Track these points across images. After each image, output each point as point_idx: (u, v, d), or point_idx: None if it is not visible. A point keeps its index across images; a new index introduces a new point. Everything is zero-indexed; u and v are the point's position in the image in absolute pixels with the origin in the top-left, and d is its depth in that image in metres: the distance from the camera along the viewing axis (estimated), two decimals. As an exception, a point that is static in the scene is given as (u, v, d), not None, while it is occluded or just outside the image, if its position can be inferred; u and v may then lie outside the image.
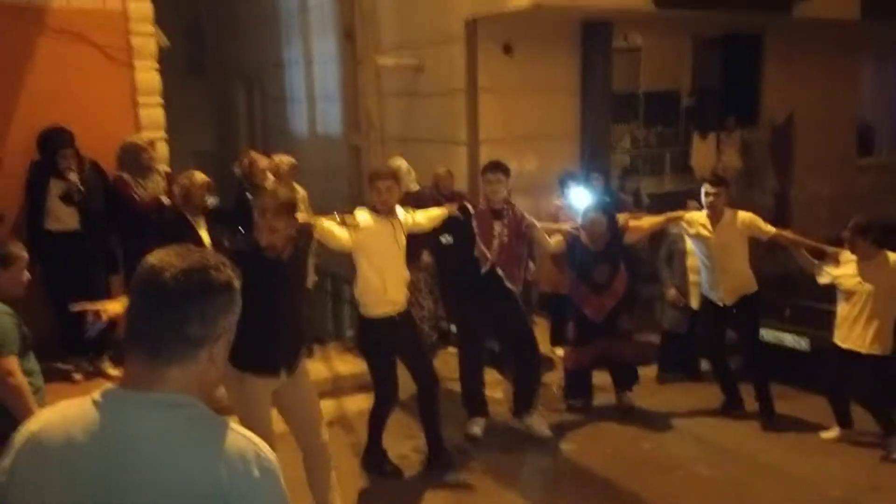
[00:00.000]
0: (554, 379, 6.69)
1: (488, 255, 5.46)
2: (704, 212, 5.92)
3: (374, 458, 5.13)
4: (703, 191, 5.96)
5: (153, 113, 6.40)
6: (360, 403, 6.08)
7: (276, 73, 12.48)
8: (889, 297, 5.31)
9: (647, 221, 6.19)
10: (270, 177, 6.47)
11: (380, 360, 4.98)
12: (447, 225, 5.52)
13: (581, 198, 6.77)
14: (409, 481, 5.08)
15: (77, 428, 1.42)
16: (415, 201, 6.38)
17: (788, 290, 6.64)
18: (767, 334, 6.60)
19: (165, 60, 6.68)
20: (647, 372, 6.69)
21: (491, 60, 8.10)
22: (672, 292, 6.75)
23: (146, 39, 6.32)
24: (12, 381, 3.28)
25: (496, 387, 6.35)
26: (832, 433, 5.60)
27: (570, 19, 8.25)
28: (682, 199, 7.12)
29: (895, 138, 12.13)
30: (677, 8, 7.77)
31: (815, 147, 9.95)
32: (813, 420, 5.85)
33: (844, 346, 5.42)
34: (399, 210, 5.03)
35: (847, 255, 5.48)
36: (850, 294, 5.40)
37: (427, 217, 5.37)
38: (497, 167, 5.56)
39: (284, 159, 6.77)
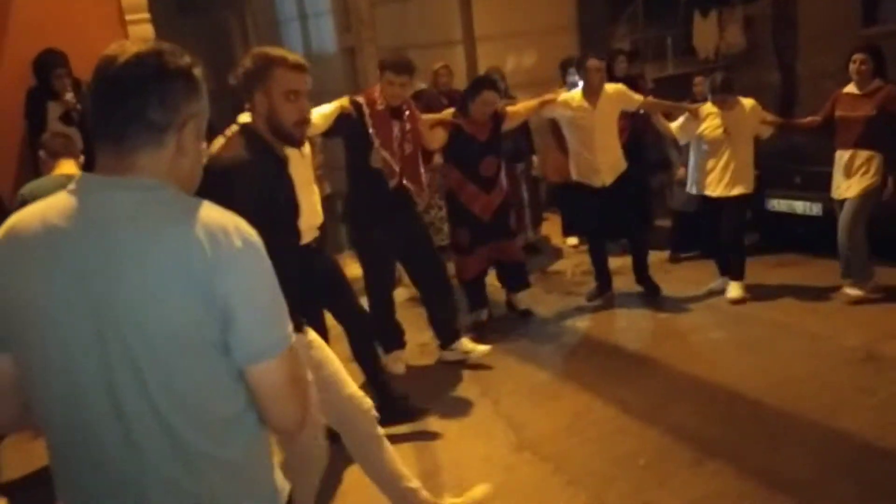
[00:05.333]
0: (567, 266, 6.74)
1: (394, 166, 4.67)
2: (578, 90, 5.77)
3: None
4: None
5: (141, 29, 6.30)
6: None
7: (266, -4, 12.26)
8: (748, 140, 5.73)
9: (523, 106, 5.77)
10: None
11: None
12: (337, 125, 4.56)
13: None
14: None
15: (54, 214, 1.42)
16: (423, 102, 6.30)
17: (796, 158, 6.57)
18: (779, 204, 6.59)
19: (156, 2, 6.53)
20: (661, 255, 6.72)
21: (482, -45, 7.93)
22: (681, 172, 6.68)
23: (129, -44, 6.20)
24: None
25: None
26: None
27: None
28: (687, 82, 7.01)
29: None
30: None
31: (817, 18, 9.60)
32: (826, 283, 5.87)
33: (715, 195, 5.76)
34: None
35: (706, 110, 5.76)
36: (714, 145, 5.71)
37: (319, 114, 4.33)
38: (405, 69, 4.65)
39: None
